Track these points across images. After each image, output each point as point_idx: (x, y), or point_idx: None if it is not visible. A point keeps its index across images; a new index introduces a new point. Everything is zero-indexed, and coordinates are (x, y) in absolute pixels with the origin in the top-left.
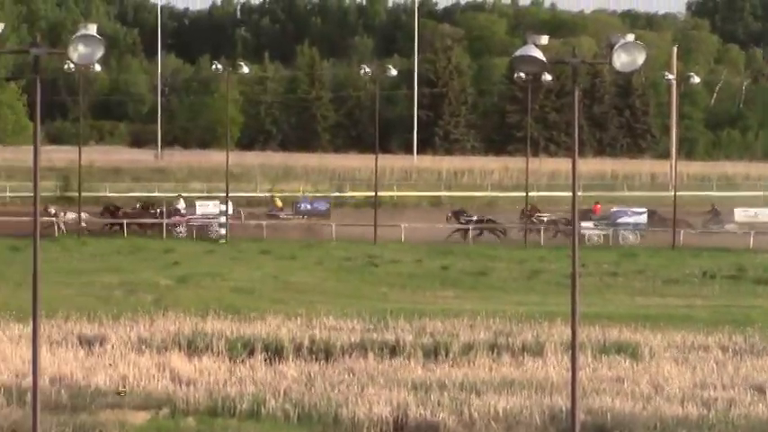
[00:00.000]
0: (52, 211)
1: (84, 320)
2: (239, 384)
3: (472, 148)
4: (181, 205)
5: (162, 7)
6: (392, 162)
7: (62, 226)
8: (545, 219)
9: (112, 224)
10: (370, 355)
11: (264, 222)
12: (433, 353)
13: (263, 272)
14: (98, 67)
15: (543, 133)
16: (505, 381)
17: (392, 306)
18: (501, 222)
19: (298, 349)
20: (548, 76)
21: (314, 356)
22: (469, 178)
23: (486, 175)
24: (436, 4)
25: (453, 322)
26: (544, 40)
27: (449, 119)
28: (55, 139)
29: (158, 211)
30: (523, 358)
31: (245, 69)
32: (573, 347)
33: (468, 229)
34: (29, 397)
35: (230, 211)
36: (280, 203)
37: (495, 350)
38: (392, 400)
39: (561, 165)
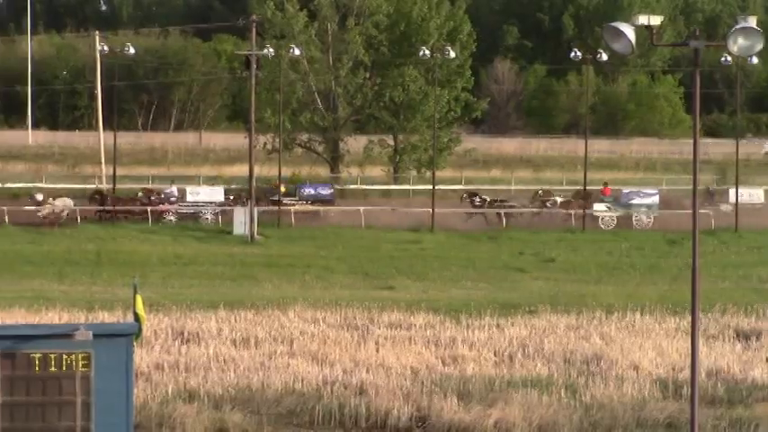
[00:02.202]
0: (39, 197)
1: (741, 314)
2: None
3: None
4: (172, 192)
5: None
6: None
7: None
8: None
9: (100, 211)
10: None
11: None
12: None
13: None
14: (755, 60)
15: None
16: None
17: None
18: (514, 205)
19: None
20: None
21: None
22: None
23: None
24: None
25: None
26: None
27: None
28: (711, 132)
29: (151, 198)
30: None
31: None
32: None
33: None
34: (685, 390)
35: (222, 198)
36: (283, 188)
37: None
38: None
39: None
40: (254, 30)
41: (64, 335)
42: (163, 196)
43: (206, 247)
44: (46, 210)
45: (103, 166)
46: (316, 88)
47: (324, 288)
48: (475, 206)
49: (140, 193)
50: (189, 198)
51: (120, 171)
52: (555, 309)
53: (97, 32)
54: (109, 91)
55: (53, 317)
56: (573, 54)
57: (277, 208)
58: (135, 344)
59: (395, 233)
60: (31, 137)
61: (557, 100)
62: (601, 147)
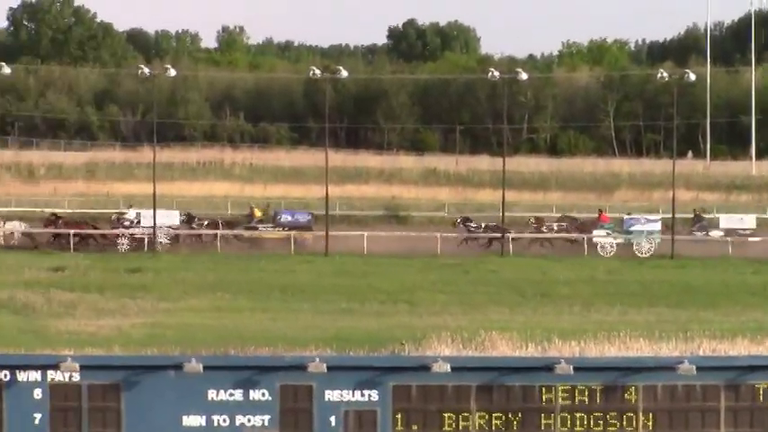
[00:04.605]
0: None
1: None
2: None
3: None
4: (131, 216)
5: None
6: None
7: None
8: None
9: (55, 235)
10: None
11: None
12: None
13: None
14: None
15: None
16: None
17: None
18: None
19: None
20: None
21: None
22: None
23: None
24: None
25: None
26: None
27: None
28: None
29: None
30: None
31: None
32: None
33: (477, 238)
34: None
35: (177, 222)
36: (258, 213)
37: None
38: None
39: None
40: None
41: None
42: (118, 219)
43: None
44: None
45: None
46: None
47: None
48: (470, 231)
49: (114, 217)
50: (143, 222)
51: None
52: None
53: None
54: None
55: None
56: None
57: None
58: None
59: None
60: (755, 167)
61: None
62: None
